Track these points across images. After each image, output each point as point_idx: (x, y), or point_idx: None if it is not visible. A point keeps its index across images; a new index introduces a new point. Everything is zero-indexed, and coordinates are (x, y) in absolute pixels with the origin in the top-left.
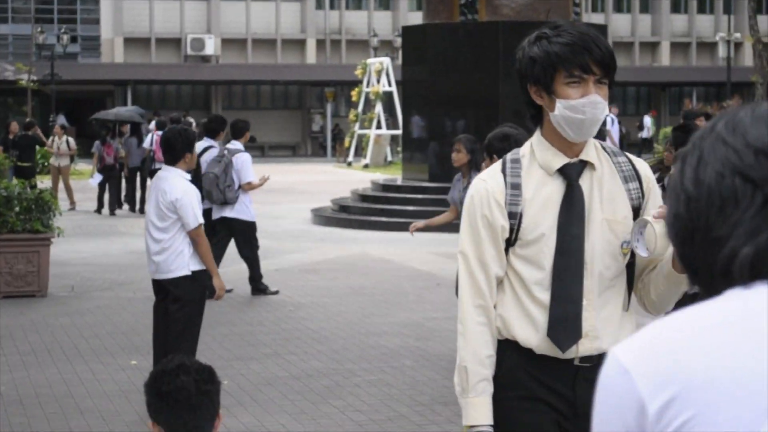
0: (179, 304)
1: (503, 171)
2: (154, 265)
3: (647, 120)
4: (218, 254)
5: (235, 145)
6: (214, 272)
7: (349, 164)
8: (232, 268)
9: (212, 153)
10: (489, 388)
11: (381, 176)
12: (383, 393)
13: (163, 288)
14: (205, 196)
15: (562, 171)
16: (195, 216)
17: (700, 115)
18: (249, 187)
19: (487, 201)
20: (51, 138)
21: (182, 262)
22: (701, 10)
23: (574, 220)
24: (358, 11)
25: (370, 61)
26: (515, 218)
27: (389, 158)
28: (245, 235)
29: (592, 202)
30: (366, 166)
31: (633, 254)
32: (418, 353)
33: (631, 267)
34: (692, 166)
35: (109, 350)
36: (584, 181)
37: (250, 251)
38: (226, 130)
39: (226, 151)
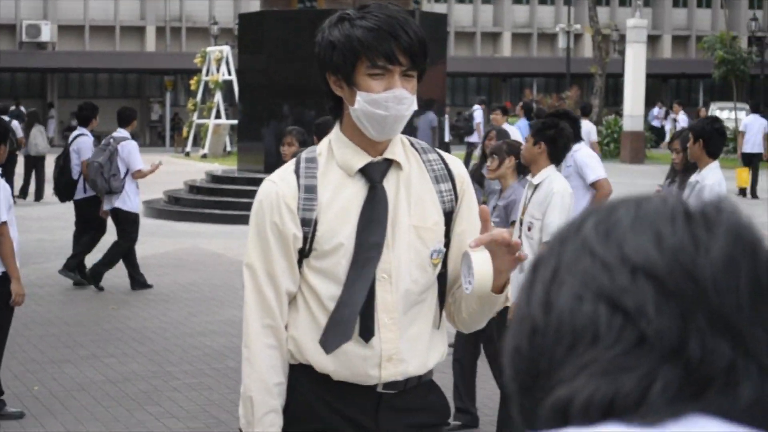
0: None
1: (296, 171)
2: None
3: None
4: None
5: (121, 133)
6: (13, 276)
7: (188, 154)
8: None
9: (82, 141)
10: (278, 421)
11: (219, 167)
12: (203, 398)
13: None
14: (90, 185)
15: (364, 171)
16: None
17: (499, 108)
18: (139, 175)
19: (277, 206)
20: None
21: None
22: (542, 0)
23: (374, 227)
24: None
25: (209, 49)
26: (309, 226)
27: (228, 148)
28: (122, 225)
29: (398, 207)
30: (204, 156)
31: (444, 264)
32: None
33: (442, 278)
34: (544, 281)
35: None
36: (389, 183)
37: (121, 242)
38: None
39: (111, 139)
